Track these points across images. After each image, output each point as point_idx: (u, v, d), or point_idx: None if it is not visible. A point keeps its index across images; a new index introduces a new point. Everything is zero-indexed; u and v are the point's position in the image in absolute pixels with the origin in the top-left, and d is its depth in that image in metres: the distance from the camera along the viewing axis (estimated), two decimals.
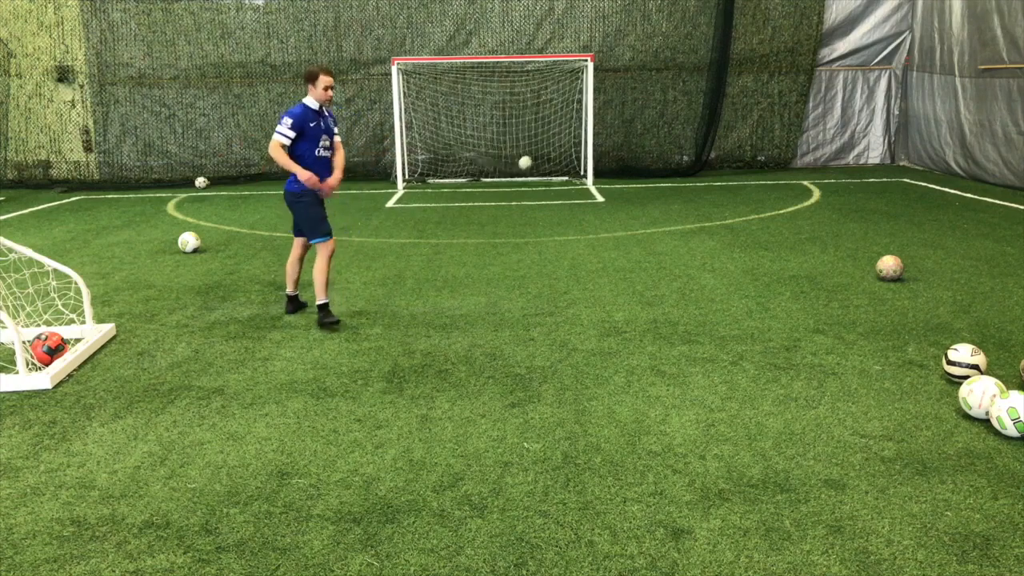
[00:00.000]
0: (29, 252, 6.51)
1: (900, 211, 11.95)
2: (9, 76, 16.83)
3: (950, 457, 4.28)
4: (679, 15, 16.89)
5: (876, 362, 5.68)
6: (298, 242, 7.20)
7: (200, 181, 16.54)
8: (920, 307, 7.02)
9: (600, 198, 14.03)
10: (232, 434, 4.76)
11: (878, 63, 17.58)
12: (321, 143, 6.80)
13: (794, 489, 3.98)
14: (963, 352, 5.26)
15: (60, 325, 6.67)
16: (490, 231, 11.07)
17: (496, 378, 5.56)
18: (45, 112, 17.05)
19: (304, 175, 6.66)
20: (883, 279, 7.89)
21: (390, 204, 13.91)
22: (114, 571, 3.44)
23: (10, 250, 6.50)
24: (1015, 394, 4.50)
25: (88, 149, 17.25)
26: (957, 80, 15.26)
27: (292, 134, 6.61)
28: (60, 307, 6.86)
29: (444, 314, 7.14)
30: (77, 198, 15.32)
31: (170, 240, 10.69)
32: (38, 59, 16.81)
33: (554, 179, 16.67)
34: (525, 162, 11.53)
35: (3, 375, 5.56)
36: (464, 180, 16.75)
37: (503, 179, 16.77)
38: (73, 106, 17.07)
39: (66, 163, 17.28)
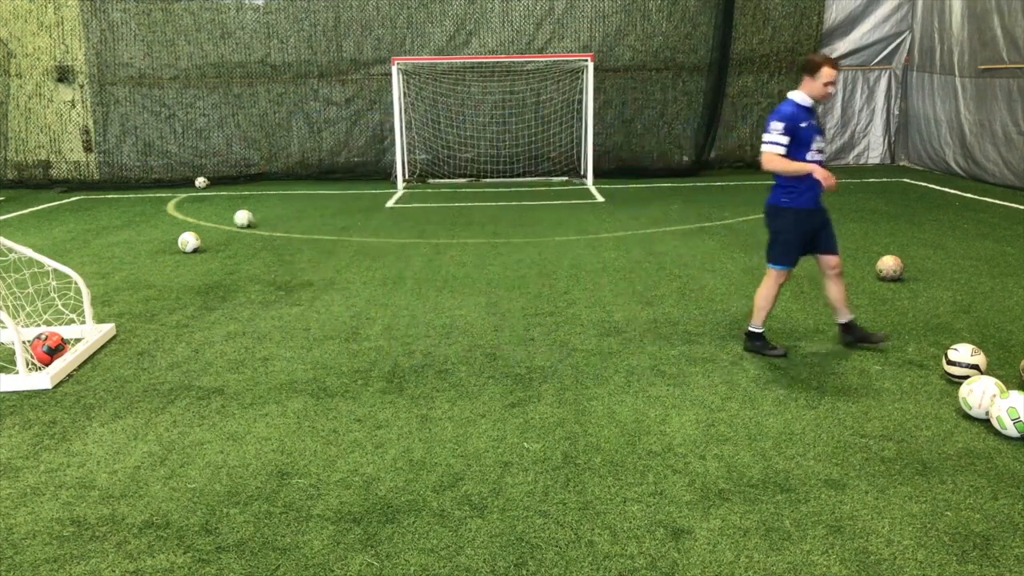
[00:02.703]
0: (29, 252, 6.51)
1: (900, 211, 11.95)
2: (9, 76, 16.82)
3: (950, 457, 4.28)
4: (679, 15, 16.88)
5: (876, 362, 5.68)
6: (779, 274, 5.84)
7: (200, 181, 16.54)
8: (920, 307, 7.02)
9: (600, 198, 14.03)
10: (232, 434, 4.76)
11: (878, 63, 17.58)
12: (815, 146, 5.56)
13: (794, 489, 3.98)
14: (963, 352, 5.26)
15: (60, 325, 6.68)
16: (490, 231, 11.06)
17: (496, 378, 5.56)
18: (45, 112, 17.05)
19: (820, 173, 5.43)
20: (883, 279, 7.89)
21: (390, 204, 13.92)
22: (114, 571, 3.44)
23: (10, 250, 6.51)
24: (1015, 394, 4.50)
25: (88, 149, 17.24)
26: (957, 80, 15.26)
27: (786, 139, 5.44)
28: (60, 307, 6.88)
29: (444, 314, 7.13)
30: (77, 198, 15.32)
31: (170, 240, 10.68)
32: (38, 59, 16.80)
33: (554, 179, 16.67)
34: (241, 218, 11.65)
35: (3, 375, 5.57)
36: (464, 180, 16.75)
37: (503, 179, 16.77)
38: (73, 106, 17.07)
39: (66, 163, 17.27)
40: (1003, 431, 4.47)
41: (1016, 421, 4.43)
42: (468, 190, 15.55)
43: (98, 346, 6.38)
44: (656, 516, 3.77)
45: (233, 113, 17.21)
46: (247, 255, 9.82)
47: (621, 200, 13.72)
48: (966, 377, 5.13)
